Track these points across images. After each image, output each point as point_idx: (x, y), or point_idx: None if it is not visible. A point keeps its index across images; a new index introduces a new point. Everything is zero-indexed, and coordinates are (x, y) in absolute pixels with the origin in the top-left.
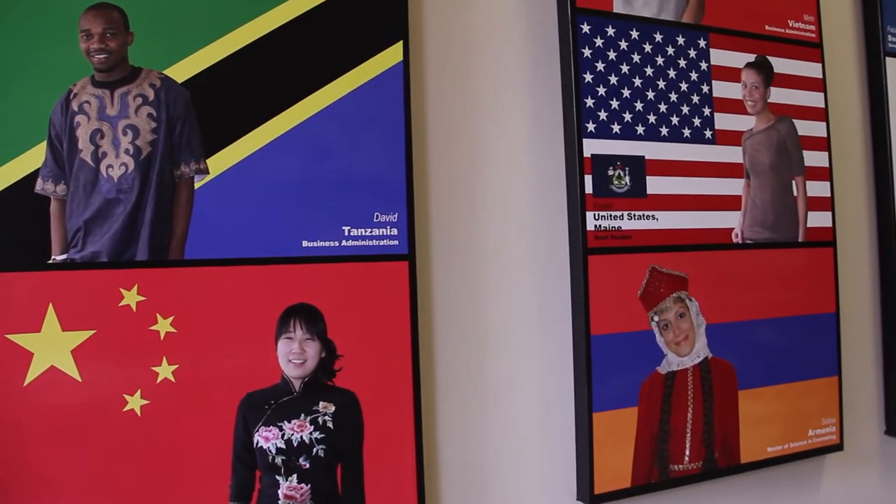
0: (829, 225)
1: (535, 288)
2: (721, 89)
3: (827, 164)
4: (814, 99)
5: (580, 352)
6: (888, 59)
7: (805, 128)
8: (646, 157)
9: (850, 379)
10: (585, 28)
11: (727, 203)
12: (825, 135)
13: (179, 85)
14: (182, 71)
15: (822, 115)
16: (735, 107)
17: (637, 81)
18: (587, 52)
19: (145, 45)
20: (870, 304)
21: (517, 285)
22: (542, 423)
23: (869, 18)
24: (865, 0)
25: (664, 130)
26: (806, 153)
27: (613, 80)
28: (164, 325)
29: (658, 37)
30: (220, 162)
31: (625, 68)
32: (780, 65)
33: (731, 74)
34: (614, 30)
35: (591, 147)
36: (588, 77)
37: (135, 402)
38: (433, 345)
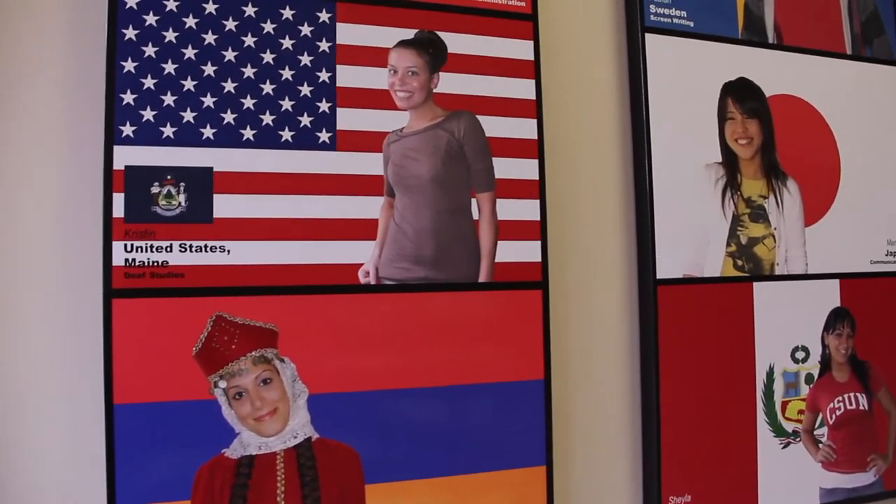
0: (538, 259)
1: (57, 343)
2: (351, 77)
3: (537, 176)
4: (519, 88)
5: (105, 427)
6: (649, 36)
7: (501, 126)
8: (215, 169)
9: (571, 467)
10: (132, 2)
11: (353, 230)
12: (535, 136)
13: None
14: None
15: (531, 109)
16: (374, 100)
17: (209, 69)
18: (131, 33)
19: None
20: (607, 366)
21: (30, 341)
22: None
23: None
24: None
25: (249, 133)
26: (501, 161)
27: (170, 68)
28: None
29: (250, 10)
30: None
31: (191, 52)
32: (461, 43)
33: (372, 56)
34: (178, 3)
35: (128, 156)
36: (129, 65)
37: None
38: None
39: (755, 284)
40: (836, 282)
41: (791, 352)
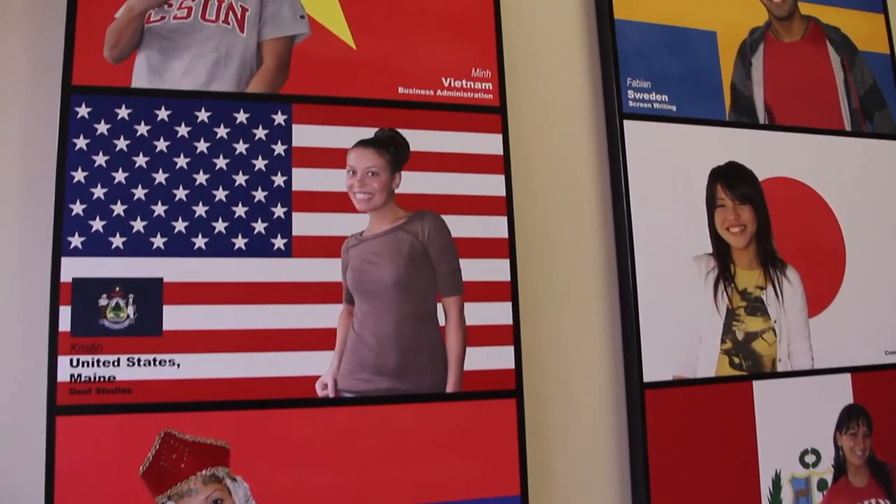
0: (511, 366)
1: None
2: (308, 180)
3: (508, 277)
4: (488, 184)
5: None
6: (627, 122)
7: (469, 226)
8: (165, 280)
9: None
10: (83, 111)
11: (309, 340)
12: (505, 234)
13: None
14: None
15: (500, 206)
16: (332, 203)
17: (160, 176)
18: (81, 143)
19: None
20: (591, 479)
21: None
22: None
23: (604, 71)
24: (602, 49)
25: (200, 242)
26: (469, 262)
27: (120, 177)
28: None
29: (202, 115)
30: None
31: (141, 160)
32: (424, 140)
33: (330, 158)
34: (130, 110)
35: (75, 268)
36: (79, 176)
37: None
38: None
39: (755, 383)
40: (848, 376)
41: (800, 456)
